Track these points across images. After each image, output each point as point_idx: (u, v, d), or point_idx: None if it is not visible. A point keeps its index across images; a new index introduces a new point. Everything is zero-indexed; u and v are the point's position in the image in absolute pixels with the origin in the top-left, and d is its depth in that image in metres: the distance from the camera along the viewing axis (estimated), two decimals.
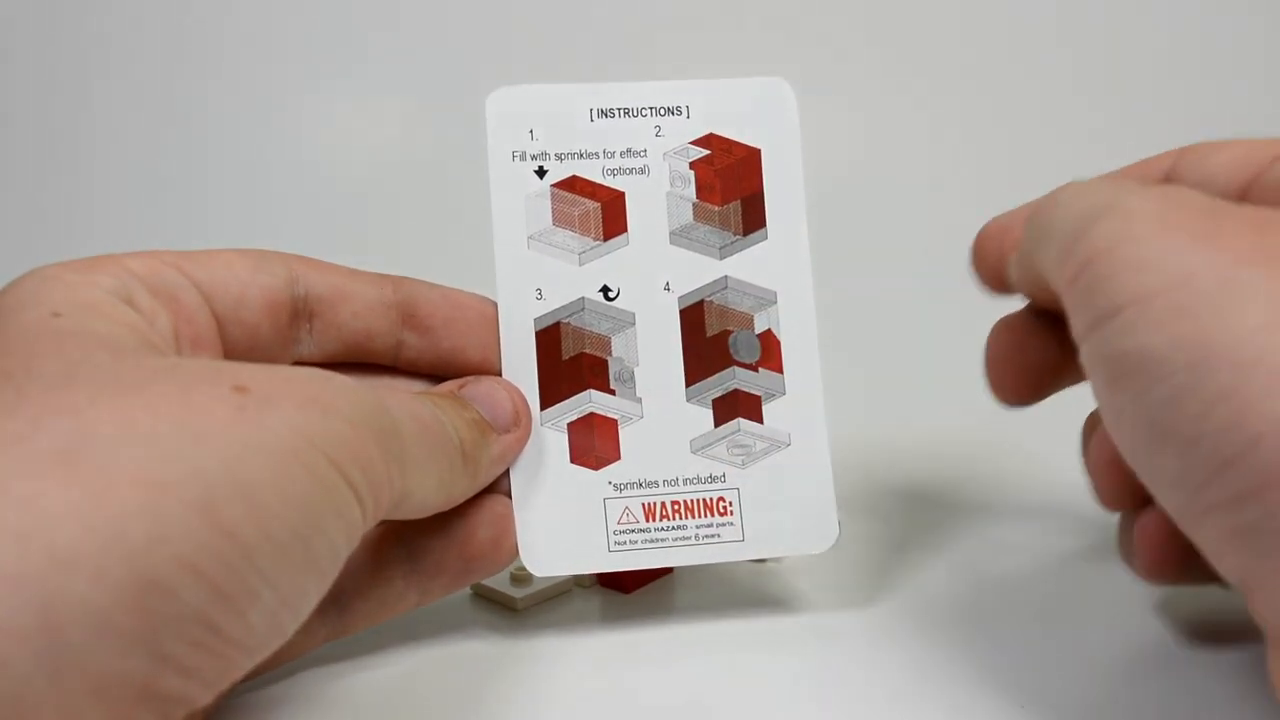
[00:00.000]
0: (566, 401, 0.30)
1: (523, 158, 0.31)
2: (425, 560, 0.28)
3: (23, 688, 0.17)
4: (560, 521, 0.30)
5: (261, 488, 0.20)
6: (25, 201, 0.64)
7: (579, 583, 0.33)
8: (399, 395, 0.27)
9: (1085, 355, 0.23)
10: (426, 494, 0.26)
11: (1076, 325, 0.24)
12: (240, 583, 0.19)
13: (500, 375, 0.30)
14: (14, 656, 0.17)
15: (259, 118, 0.66)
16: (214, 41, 0.66)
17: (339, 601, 0.27)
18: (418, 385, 0.30)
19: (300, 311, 0.28)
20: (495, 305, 0.30)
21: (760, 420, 0.31)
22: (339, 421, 0.22)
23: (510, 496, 0.29)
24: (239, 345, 0.27)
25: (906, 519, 0.38)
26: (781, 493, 0.30)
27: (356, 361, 0.29)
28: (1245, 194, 0.28)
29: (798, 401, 0.31)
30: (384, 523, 0.29)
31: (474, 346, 0.30)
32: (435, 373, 0.30)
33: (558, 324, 0.30)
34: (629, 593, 0.33)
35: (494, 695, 0.27)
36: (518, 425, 0.29)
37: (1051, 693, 0.26)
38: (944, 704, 0.26)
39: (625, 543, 0.30)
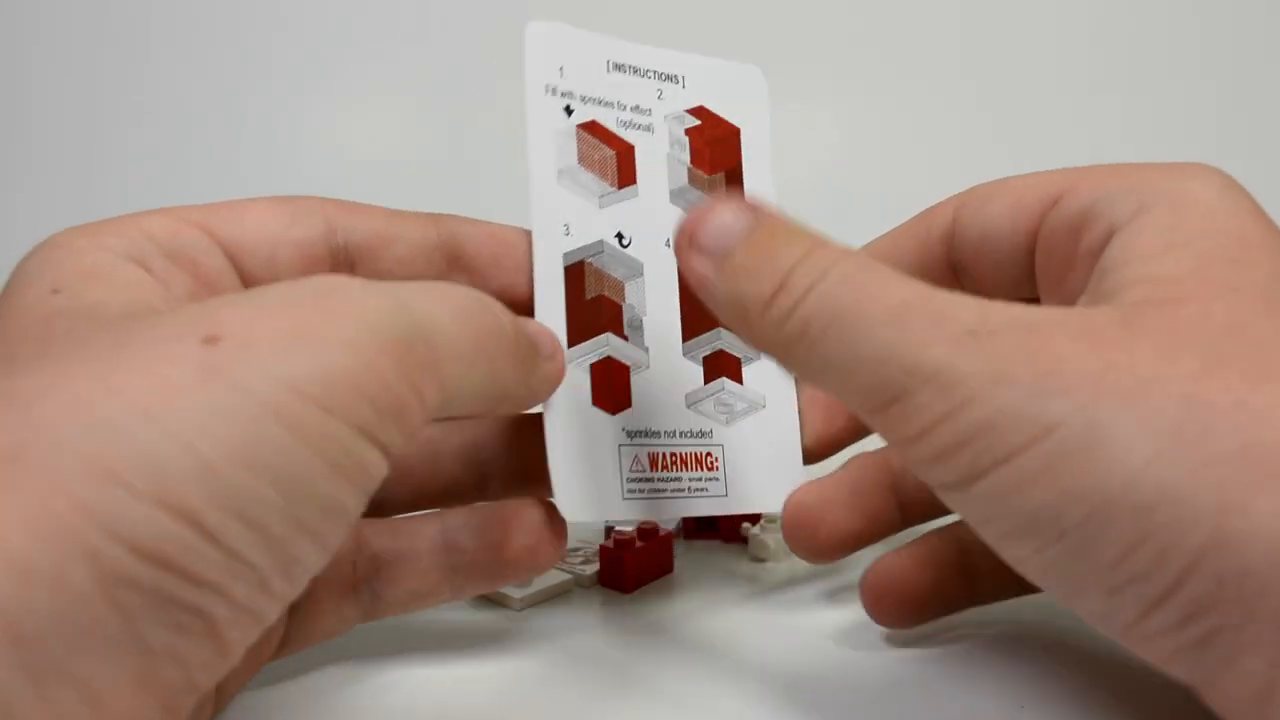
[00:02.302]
0: (589, 342, 0.29)
1: (554, 93, 0.30)
2: (461, 558, 0.28)
3: (9, 700, 0.16)
4: (584, 464, 0.29)
5: (224, 462, 0.18)
6: (37, 192, 0.66)
7: (579, 582, 0.33)
8: (433, 289, 0.23)
9: (957, 510, 0.22)
10: (476, 388, 0.24)
11: (932, 484, 0.22)
12: (212, 565, 0.18)
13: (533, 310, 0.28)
14: None
15: (256, 120, 0.67)
16: (213, 40, 0.68)
17: (372, 587, 0.27)
18: None
19: (340, 263, 0.26)
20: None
21: (740, 381, 0.32)
22: (334, 351, 0.20)
23: (547, 449, 0.28)
24: None
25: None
26: (757, 452, 0.32)
27: None
28: (1033, 244, 0.27)
29: (772, 365, 0.32)
30: (424, 513, 0.28)
31: (521, 285, 0.28)
32: None
33: (582, 262, 0.30)
34: (629, 593, 0.32)
35: (492, 694, 0.27)
36: (555, 357, 0.28)
37: (1051, 693, 0.26)
38: (943, 703, 0.26)
39: (636, 491, 0.30)
